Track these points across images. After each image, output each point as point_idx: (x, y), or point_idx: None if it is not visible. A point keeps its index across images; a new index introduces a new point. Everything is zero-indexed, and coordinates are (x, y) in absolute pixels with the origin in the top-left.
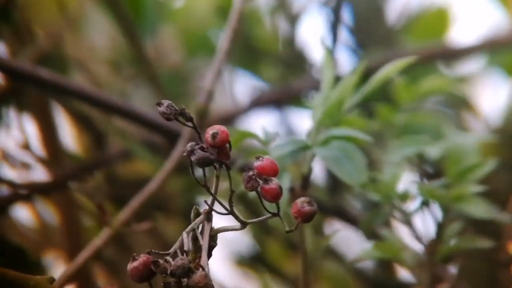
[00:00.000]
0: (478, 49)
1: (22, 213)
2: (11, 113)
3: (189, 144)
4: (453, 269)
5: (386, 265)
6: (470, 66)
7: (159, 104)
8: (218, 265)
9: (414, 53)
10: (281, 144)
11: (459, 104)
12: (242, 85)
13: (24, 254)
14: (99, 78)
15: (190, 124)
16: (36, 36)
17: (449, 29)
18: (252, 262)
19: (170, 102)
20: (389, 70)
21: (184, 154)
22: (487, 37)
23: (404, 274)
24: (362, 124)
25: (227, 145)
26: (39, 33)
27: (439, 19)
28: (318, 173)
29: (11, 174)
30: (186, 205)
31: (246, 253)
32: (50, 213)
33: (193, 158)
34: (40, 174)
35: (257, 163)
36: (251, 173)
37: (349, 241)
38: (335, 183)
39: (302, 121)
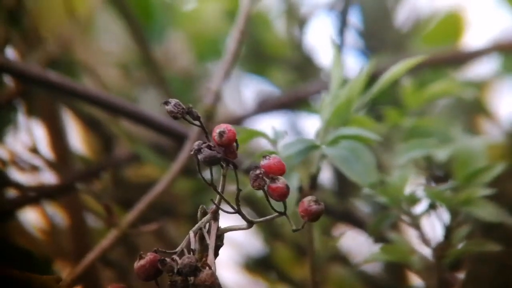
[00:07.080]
0: (489, 53)
1: (30, 216)
2: (20, 116)
3: (196, 142)
4: (461, 274)
5: (395, 270)
6: (485, 70)
7: (166, 102)
8: (226, 269)
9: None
10: (289, 144)
11: (473, 109)
12: (251, 90)
13: (32, 257)
14: (108, 81)
15: (197, 123)
16: (46, 40)
17: (463, 34)
18: (260, 266)
19: (177, 100)
20: (398, 70)
21: (191, 152)
22: (499, 41)
23: (413, 278)
24: (371, 124)
25: (234, 143)
26: (49, 37)
27: (452, 24)
28: (326, 176)
29: (20, 177)
30: (193, 208)
31: (255, 258)
32: (58, 216)
33: (200, 156)
34: (48, 177)
35: (264, 162)
36: (258, 171)
37: (357, 244)
38: (342, 186)
39: (310, 125)
